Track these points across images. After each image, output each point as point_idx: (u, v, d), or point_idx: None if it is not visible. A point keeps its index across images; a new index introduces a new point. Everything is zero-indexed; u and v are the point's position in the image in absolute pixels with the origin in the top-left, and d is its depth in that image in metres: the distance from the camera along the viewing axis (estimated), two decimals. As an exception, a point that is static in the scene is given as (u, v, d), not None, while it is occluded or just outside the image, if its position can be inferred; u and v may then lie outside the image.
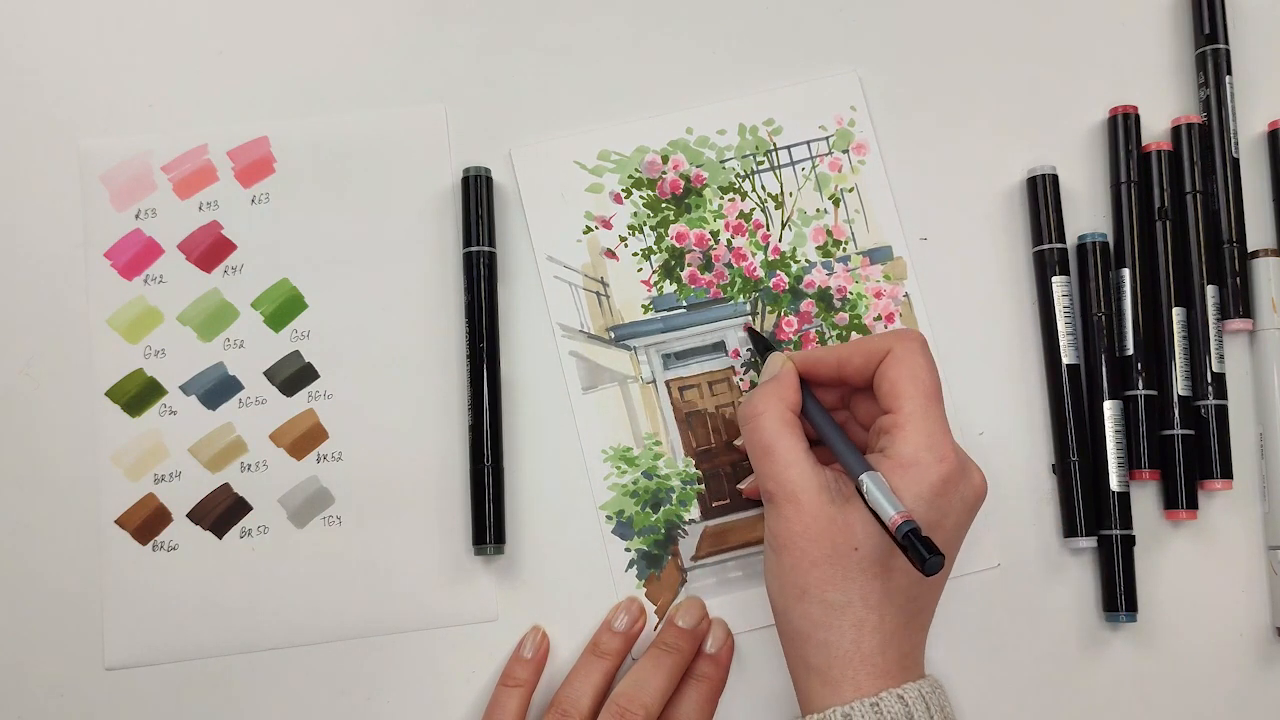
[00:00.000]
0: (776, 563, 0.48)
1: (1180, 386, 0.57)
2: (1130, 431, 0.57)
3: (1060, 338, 0.58)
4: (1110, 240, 0.60)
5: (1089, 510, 0.56)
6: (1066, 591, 0.57)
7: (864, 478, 0.47)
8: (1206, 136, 0.60)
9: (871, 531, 0.47)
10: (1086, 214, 0.60)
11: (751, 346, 0.58)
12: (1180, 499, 0.57)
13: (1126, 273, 0.58)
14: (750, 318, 0.59)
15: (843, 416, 0.54)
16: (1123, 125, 0.60)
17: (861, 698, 0.46)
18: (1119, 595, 0.55)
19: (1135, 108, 0.60)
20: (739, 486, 0.57)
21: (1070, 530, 0.56)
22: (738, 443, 0.57)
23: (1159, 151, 0.59)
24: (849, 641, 0.47)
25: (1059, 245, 0.58)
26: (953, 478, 0.48)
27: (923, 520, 0.46)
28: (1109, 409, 0.57)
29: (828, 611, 0.47)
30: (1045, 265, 0.59)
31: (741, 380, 0.58)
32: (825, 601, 0.47)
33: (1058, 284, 0.58)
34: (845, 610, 0.47)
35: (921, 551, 0.43)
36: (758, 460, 0.50)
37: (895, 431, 0.48)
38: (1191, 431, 0.57)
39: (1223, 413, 0.57)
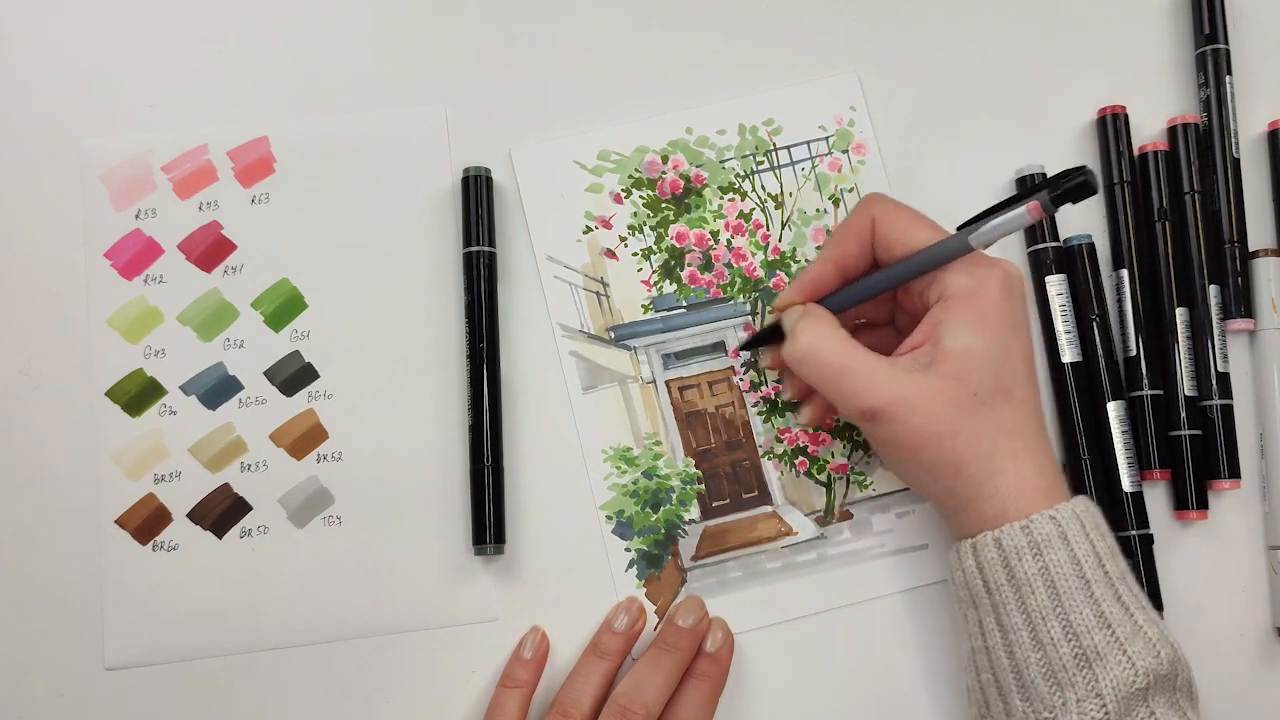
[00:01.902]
0: (918, 462, 0.49)
1: (1186, 386, 0.57)
2: (1138, 432, 0.57)
3: (1059, 336, 0.58)
4: (1108, 241, 0.60)
5: (1104, 510, 0.56)
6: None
7: (965, 234, 0.47)
8: (1206, 136, 0.60)
9: (980, 367, 0.48)
10: (1087, 214, 0.60)
11: (757, 349, 0.58)
12: (1190, 499, 0.57)
13: (1125, 273, 0.58)
14: (750, 318, 0.59)
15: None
16: (1111, 126, 0.60)
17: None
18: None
19: (1124, 108, 0.60)
20: (799, 420, 0.57)
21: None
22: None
23: (1156, 152, 0.59)
24: (1012, 476, 0.48)
25: (1053, 245, 0.59)
26: (1008, 277, 0.49)
27: (1009, 330, 0.48)
28: (1113, 410, 0.57)
29: (986, 462, 0.48)
30: (1040, 265, 0.59)
31: (741, 380, 0.58)
32: (980, 456, 0.48)
33: (1052, 283, 0.58)
34: (997, 452, 0.48)
35: (1078, 178, 0.43)
36: (835, 385, 0.49)
37: (939, 276, 0.49)
38: (1199, 432, 0.57)
39: (1229, 412, 0.57)
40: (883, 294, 0.52)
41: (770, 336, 0.56)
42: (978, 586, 0.49)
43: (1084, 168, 0.44)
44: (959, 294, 0.49)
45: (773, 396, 0.58)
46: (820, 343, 0.50)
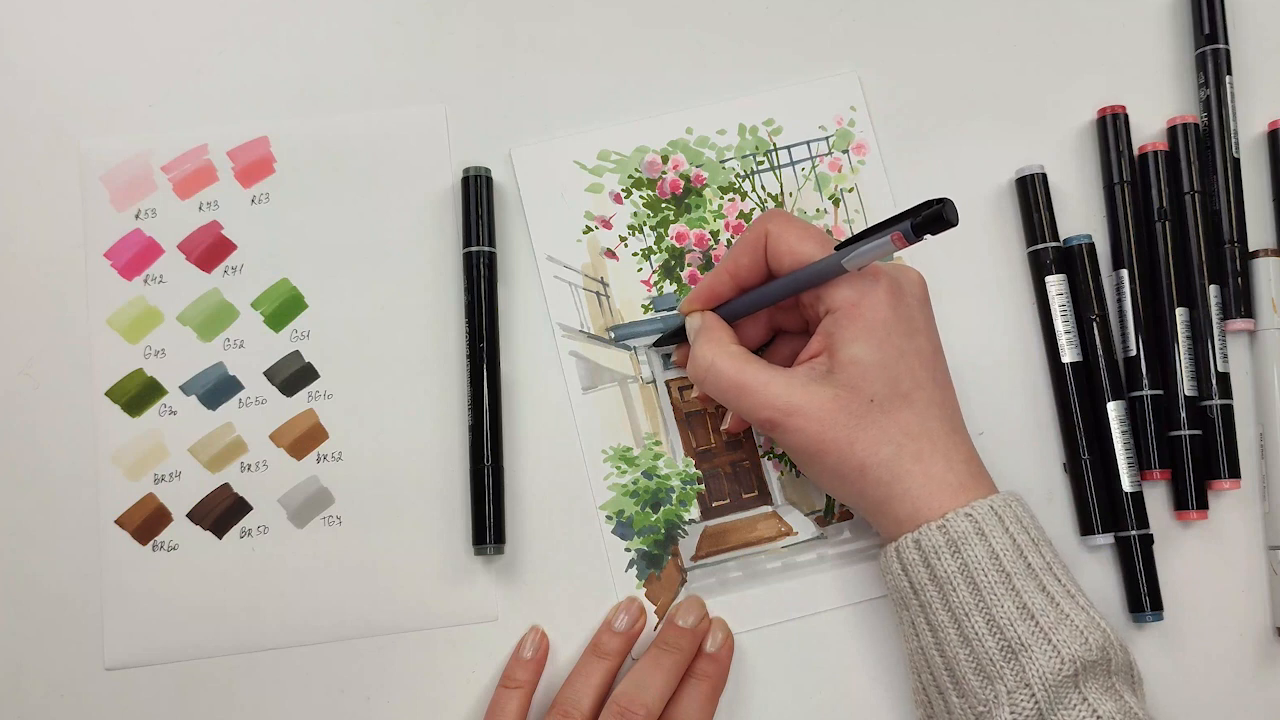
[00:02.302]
0: (823, 468, 0.50)
1: (1186, 386, 0.57)
2: (1138, 432, 0.57)
3: (1059, 336, 0.58)
4: (1108, 241, 0.60)
5: (1104, 510, 0.56)
6: (1086, 589, 0.56)
7: (839, 255, 0.48)
8: (1206, 136, 0.60)
9: (872, 375, 0.48)
10: (1087, 214, 0.60)
11: (668, 350, 0.58)
12: (1190, 499, 0.57)
13: (1125, 273, 0.58)
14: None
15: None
16: (1111, 126, 0.60)
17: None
18: (1143, 595, 0.55)
19: (1124, 108, 0.60)
20: (722, 428, 0.57)
21: (1087, 528, 0.56)
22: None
23: (1155, 152, 0.59)
24: (920, 477, 0.49)
25: (1053, 244, 0.59)
26: (895, 286, 0.50)
27: (902, 337, 0.49)
28: (1113, 409, 0.57)
29: (888, 465, 0.48)
30: (1040, 265, 0.59)
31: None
32: (881, 460, 0.48)
33: (1052, 283, 0.58)
34: (900, 455, 0.49)
35: (935, 213, 0.44)
36: (735, 400, 0.51)
37: (824, 291, 0.50)
38: (1199, 432, 0.57)
39: (1229, 412, 0.58)
40: (775, 304, 0.53)
41: (678, 336, 0.57)
42: (905, 588, 0.49)
43: (943, 199, 0.44)
44: (843, 306, 0.49)
45: None
46: (716, 360, 0.51)
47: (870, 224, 0.59)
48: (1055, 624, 0.46)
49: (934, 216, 0.44)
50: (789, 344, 0.56)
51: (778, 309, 0.54)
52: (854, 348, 0.49)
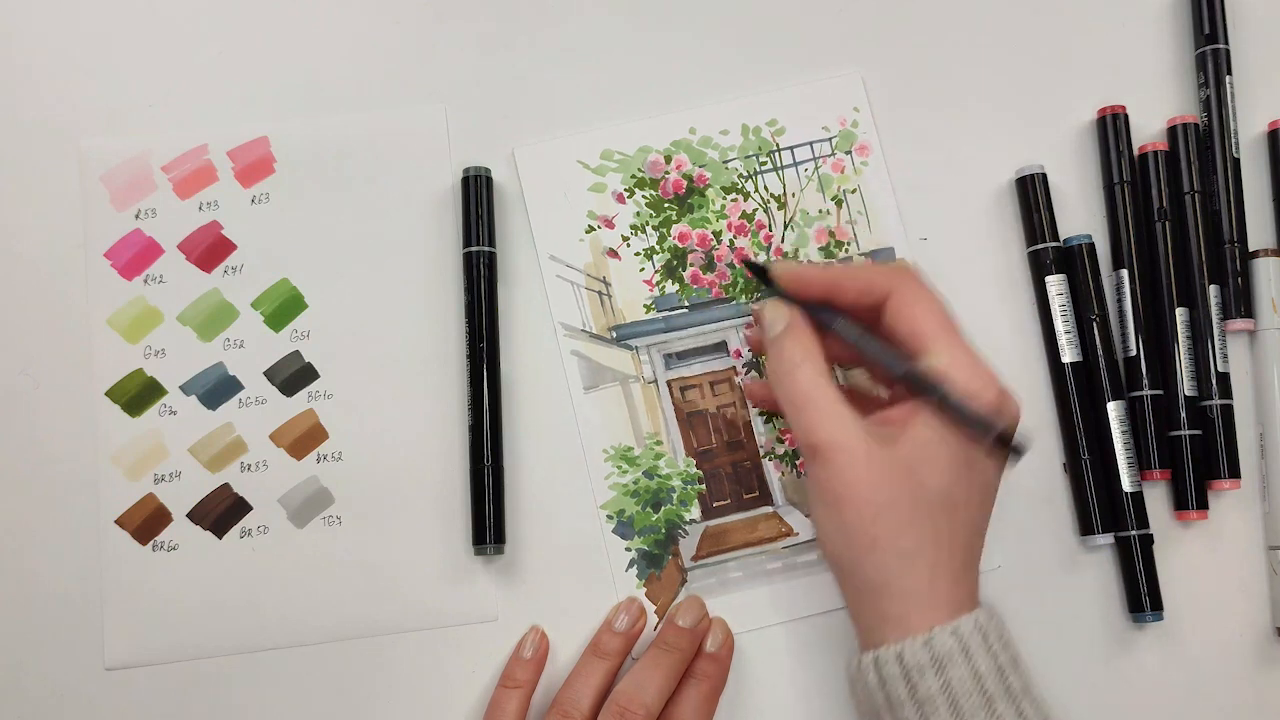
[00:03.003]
0: (837, 517, 0.47)
1: (1186, 387, 0.57)
2: (1138, 432, 0.57)
3: (1059, 336, 0.58)
4: (1108, 241, 0.60)
5: (1104, 510, 0.56)
6: (1086, 589, 0.57)
7: (942, 390, 0.46)
8: (1206, 136, 0.60)
9: (935, 468, 0.46)
10: (1087, 214, 0.60)
11: (757, 275, 0.54)
12: (1190, 499, 0.57)
13: (1125, 273, 0.59)
14: (752, 318, 0.59)
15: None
16: (1111, 126, 0.60)
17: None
18: (1143, 595, 0.56)
19: (1124, 108, 0.60)
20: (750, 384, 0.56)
21: (1087, 528, 0.56)
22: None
23: (1155, 152, 0.60)
24: (925, 585, 0.46)
25: (1053, 244, 0.59)
26: (1002, 398, 0.47)
27: (974, 472, 0.47)
28: (1113, 410, 0.57)
29: (903, 559, 0.46)
30: (1040, 265, 0.59)
31: (743, 381, 0.58)
32: (899, 550, 0.46)
33: (1052, 283, 0.58)
34: (918, 556, 0.46)
35: (1010, 437, 0.45)
36: (798, 410, 0.48)
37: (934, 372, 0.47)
38: (1199, 432, 0.57)
39: (1229, 412, 0.58)
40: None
41: (763, 278, 0.52)
42: (880, 701, 0.47)
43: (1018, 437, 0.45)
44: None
45: None
46: (804, 365, 0.48)
47: (872, 225, 0.59)
48: None
49: (1012, 445, 0.46)
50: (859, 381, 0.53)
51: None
52: (933, 436, 0.46)
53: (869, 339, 0.49)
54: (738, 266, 0.59)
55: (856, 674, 0.48)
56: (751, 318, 0.57)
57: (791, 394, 0.48)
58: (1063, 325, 0.58)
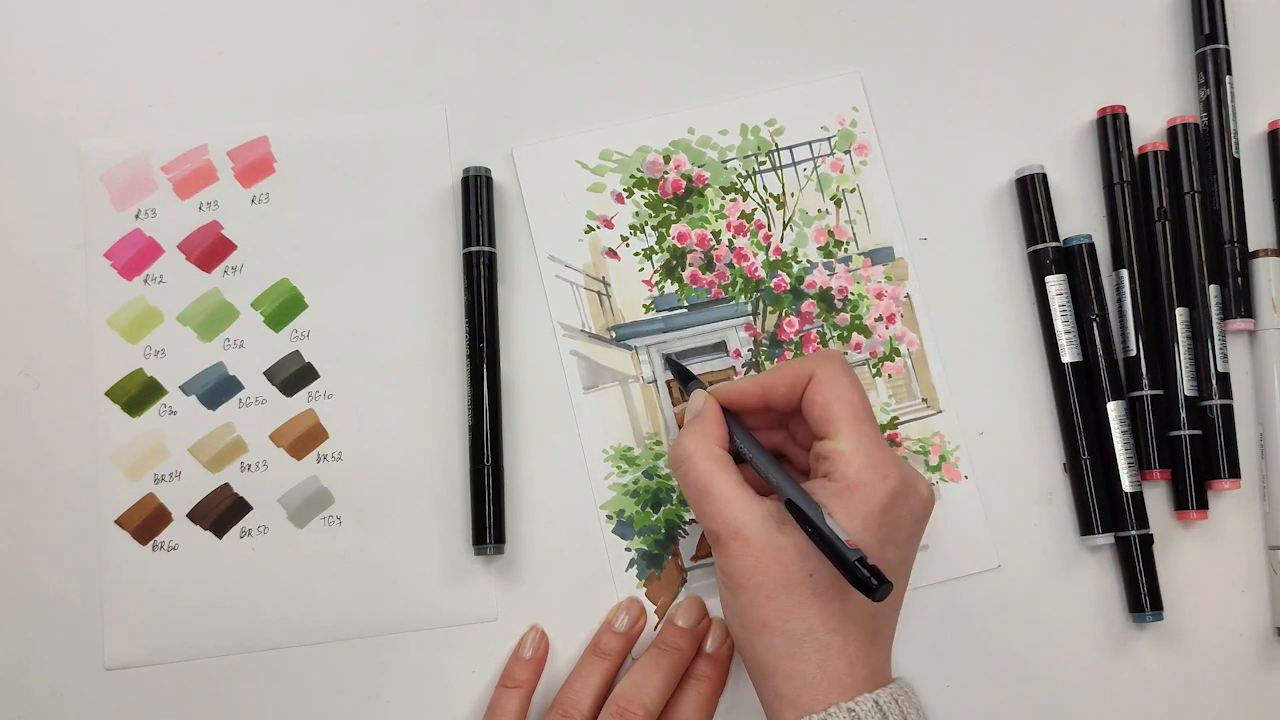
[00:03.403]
0: (733, 600, 0.48)
1: (1186, 387, 0.57)
2: (1138, 432, 0.57)
3: (1059, 336, 0.58)
4: (1108, 241, 0.60)
5: (1104, 510, 0.56)
6: (1086, 590, 0.57)
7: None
8: (1206, 136, 0.60)
9: (824, 556, 0.46)
10: (1087, 214, 0.60)
11: (674, 373, 0.58)
12: (1190, 499, 0.57)
13: (1125, 273, 0.59)
14: (751, 318, 0.59)
15: (780, 437, 0.54)
16: (1111, 126, 0.60)
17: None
18: (1143, 595, 0.55)
19: (1123, 108, 0.60)
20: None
21: (1087, 528, 0.56)
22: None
23: (1155, 152, 0.60)
24: (814, 667, 0.46)
25: (1053, 244, 0.59)
26: (899, 493, 0.47)
27: (874, 538, 0.46)
28: (1113, 410, 0.57)
29: (790, 641, 0.46)
30: (1040, 265, 0.59)
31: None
32: (787, 632, 0.46)
33: (1052, 283, 0.58)
34: (807, 638, 0.46)
35: (869, 579, 0.43)
36: (695, 502, 0.49)
37: (835, 456, 0.48)
38: (1199, 432, 0.57)
39: (1229, 412, 0.58)
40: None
41: (683, 376, 0.56)
42: None
43: (879, 586, 0.44)
44: (843, 479, 0.47)
45: None
46: (694, 456, 0.49)
47: (871, 225, 0.59)
48: None
49: (863, 583, 0.44)
50: (802, 425, 0.53)
51: (791, 414, 0.52)
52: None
53: (766, 463, 0.50)
54: (736, 267, 0.59)
55: None
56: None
57: (687, 484, 0.50)
58: (1063, 325, 0.58)
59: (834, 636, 0.46)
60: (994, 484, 0.57)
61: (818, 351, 0.56)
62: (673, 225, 0.60)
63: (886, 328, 0.59)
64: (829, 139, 0.61)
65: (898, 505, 0.47)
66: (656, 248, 0.59)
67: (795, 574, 0.46)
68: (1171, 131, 0.60)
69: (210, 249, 0.59)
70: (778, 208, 0.60)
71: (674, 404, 0.58)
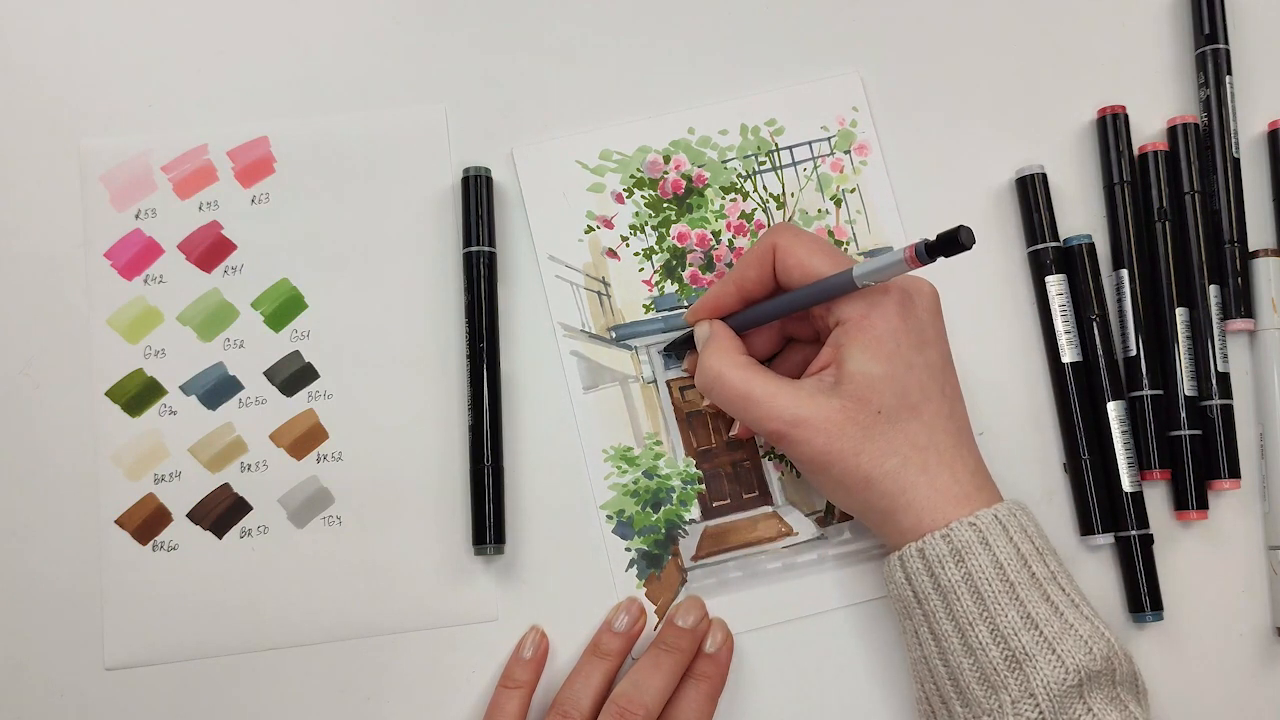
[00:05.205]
0: (829, 479, 0.50)
1: (1186, 387, 0.57)
2: (1138, 432, 0.57)
3: (1059, 336, 0.58)
4: (1108, 241, 0.60)
5: (1104, 510, 0.56)
6: (1086, 589, 0.56)
7: (852, 272, 0.48)
8: (1206, 136, 0.60)
9: (880, 387, 0.48)
10: (1087, 214, 0.60)
11: (675, 355, 0.58)
12: (1190, 499, 0.57)
13: (1125, 273, 0.59)
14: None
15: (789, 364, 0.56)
16: (1111, 126, 0.60)
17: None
18: (1143, 595, 0.56)
19: (1123, 108, 0.60)
20: (730, 434, 0.57)
21: (1087, 528, 0.56)
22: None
23: (1155, 152, 0.60)
24: (924, 489, 0.48)
25: (1053, 244, 0.59)
26: (905, 299, 0.50)
27: (910, 346, 0.49)
28: (1113, 409, 0.57)
29: (894, 477, 0.48)
30: (1040, 265, 0.59)
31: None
32: (888, 472, 0.48)
33: (1052, 283, 0.58)
34: (906, 466, 0.49)
35: (949, 233, 0.44)
36: (742, 411, 0.51)
37: (833, 303, 0.50)
38: (1199, 432, 0.57)
39: (1229, 412, 0.58)
40: (785, 317, 0.53)
41: (686, 343, 0.57)
42: (908, 597, 0.49)
43: (960, 227, 0.44)
44: (853, 319, 0.49)
45: None
46: (724, 371, 0.51)
47: (871, 224, 0.60)
48: (1059, 633, 0.46)
49: (948, 238, 0.44)
50: (799, 353, 0.56)
51: (788, 319, 0.54)
52: (862, 360, 0.49)
53: (783, 300, 0.52)
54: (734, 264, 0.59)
55: (888, 575, 0.51)
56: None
57: (728, 399, 0.51)
58: (1063, 325, 0.58)
59: (928, 452, 0.49)
60: (1005, 483, 0.57)
61: (767, 229, 0.57)
62: (673, 225, 0.60)
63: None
64: (829, 139, 0.61)
65: (911, 309, 0.50)
66: (656, 248, 0.59)
67: (866, 419, 0.48)
68: (1171, 131, 0.60)
69: (210, 249, 0.59)
70: (778, 208, 0.60)
71: (674, 404, 0.58)
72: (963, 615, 0.47)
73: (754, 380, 0.50)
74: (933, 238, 0.45)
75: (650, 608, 0.56)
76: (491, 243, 0.58)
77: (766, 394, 0.50)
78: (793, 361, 0.56)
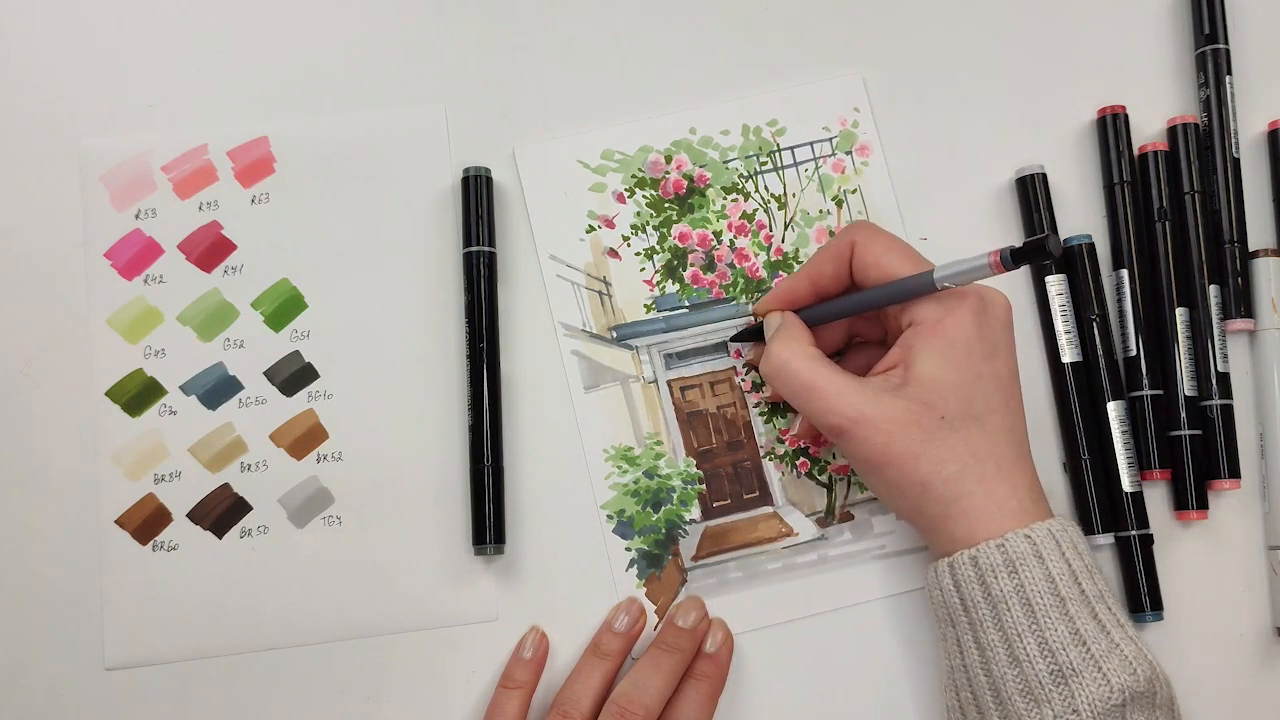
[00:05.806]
0: (884, 480, 0.49)
1: (1186, 387, 0.57)
2: (1138, 432, 0.57)
3: (1059, 336, 0.58)
4: (1108, 241, 0.60)
5: (1104, 510, 0.56)
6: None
7: (933, 273, 0.48)
8: (1206, 136, 0.60)
9: (947, 393, 0.48)
10: (1087, 214, 0.60)
11: (749, 341, 0.58)
12: (1190, 499, 0.57)
13: (1125, 273, 0.59)
14: (753, 318, 0.59)
15: (856, 363, 0.56)
16: (1111, 126, 0.60)
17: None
18: (1143, 595, 0.56)
19: (1123, 108, 0.60)
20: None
21: (1087, 528, 0.56)
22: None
23: (1155, 152, 0.60)
24: (981, 499, 0.48)
25: (1053, 244, 0.59)
26: (980, 306, 0.50)
27: (981, 355, 0.49)
28: (1113, 410, 0.57)
29: (951, 484, 0.48)
30: (1040, 265, 0.59)
31: (743, 381, 0.58)
32: (946, 478, 0.48)
33: (1052, 283, 0.58)
34: (965, 474, 0.48)
35: (1037, 240, 0.44)
36: (805, 403, 0.50)
37: (907, 304, 0.50)
38: (1199, 432, 0.57)
39: (1229, 412, 0.58)
40: (859, 315, 0.54)
41: (754, 335, 0.57)
42: (955, 605, 0.49)
43: (1048, 235, 0.45)
44: (927, 321, 0.49)
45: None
46: (791, 360, 0.51)
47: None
48: (1106, 652, 0.46)
49: (1035, 246, 0.45)
50: (865, 353, 0.56)
51: (856, 318, 0.54)
52: (933, 363, 0.49)
53: (844, 299, 0.52)
54: (737, 267, 0.59)
55: (933, 579, 0.50)
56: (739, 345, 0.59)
57: (792, 389, 0.51)
58: (1063, 325, 0.58)
59: (987, 463, 0.48)
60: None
61: (845, 226, 0.57)
62: (674, 225, 0.60)
63: (887, 328, 0.59)
64: (830, 139, 0.61)
65: (986, 317, 0.50)
66: (658, 248, 0.59)
67: (929, 423, 0.48)
68: (1171, 131, 0.60)
69: (210, 249, 0.59)
70: (779, 208, 0.60)
71: (675, 404, 0.58)
72: (1011, 627, 0.47)
73: (821, 372, 0.50)
74: (1019, 244, 0.45)
75: (650, 608, 0.56)
76: (492, 243, 0.58)
77: (832, 388, 0.49)
78: (856, 362, 0.56)
